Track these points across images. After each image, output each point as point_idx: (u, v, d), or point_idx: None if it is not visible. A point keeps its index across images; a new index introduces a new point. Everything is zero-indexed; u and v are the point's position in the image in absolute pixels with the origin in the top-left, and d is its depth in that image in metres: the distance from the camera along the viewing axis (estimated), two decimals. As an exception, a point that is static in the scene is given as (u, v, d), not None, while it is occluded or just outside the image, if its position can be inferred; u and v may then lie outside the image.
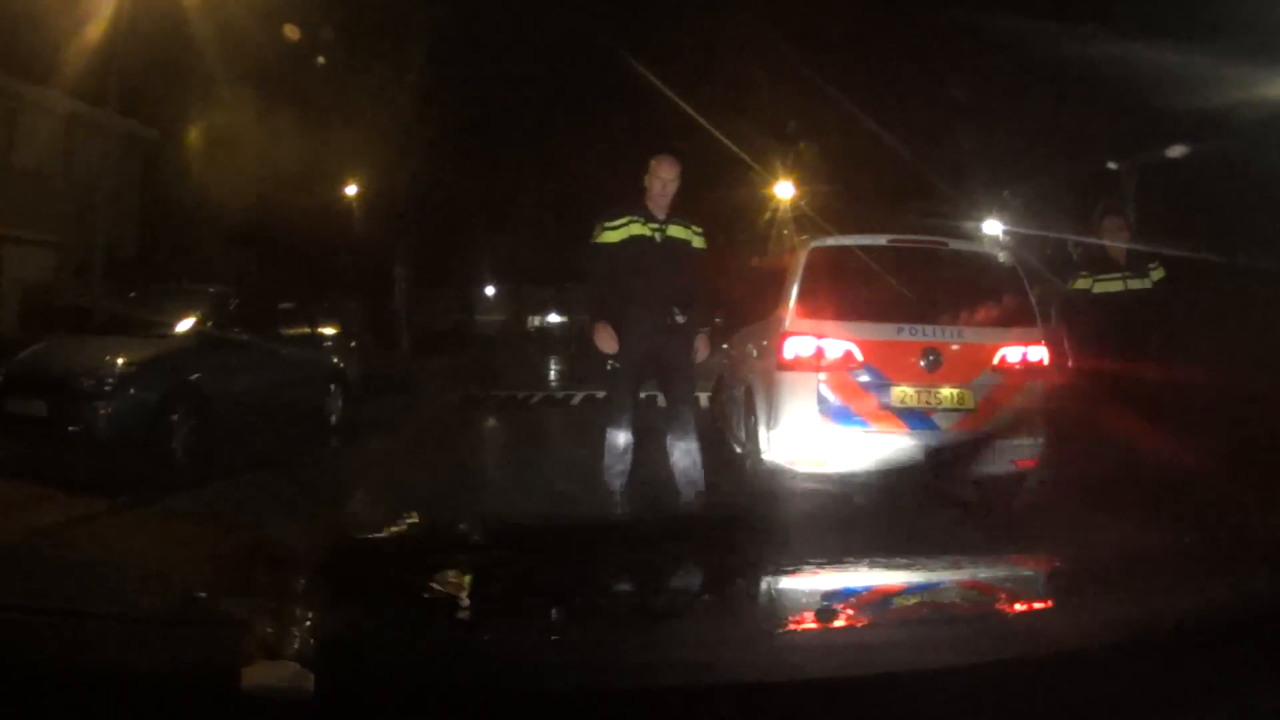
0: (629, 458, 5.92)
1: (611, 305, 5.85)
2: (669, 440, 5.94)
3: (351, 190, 27.92)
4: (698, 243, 5.97)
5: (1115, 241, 6.72)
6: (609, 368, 5.90)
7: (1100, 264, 6.77)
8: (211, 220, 20.42)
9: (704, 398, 12.95)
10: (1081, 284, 6.76)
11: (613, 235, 5.80)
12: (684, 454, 5.91)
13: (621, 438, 5.89)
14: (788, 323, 6.38)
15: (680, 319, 5.85)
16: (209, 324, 9.36)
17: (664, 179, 5.77)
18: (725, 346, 9.25)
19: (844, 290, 6.48)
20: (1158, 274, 6.69)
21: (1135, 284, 6.67)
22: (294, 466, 8.50)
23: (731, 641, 1.50)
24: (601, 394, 16.39)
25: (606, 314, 5.81)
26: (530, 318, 56.74)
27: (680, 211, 5.92)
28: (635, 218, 5.79)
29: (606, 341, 5.75)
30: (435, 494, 7.05)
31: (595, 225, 5.90)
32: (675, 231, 5.85)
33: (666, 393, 6.17)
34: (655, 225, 5.79)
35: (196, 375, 8.82)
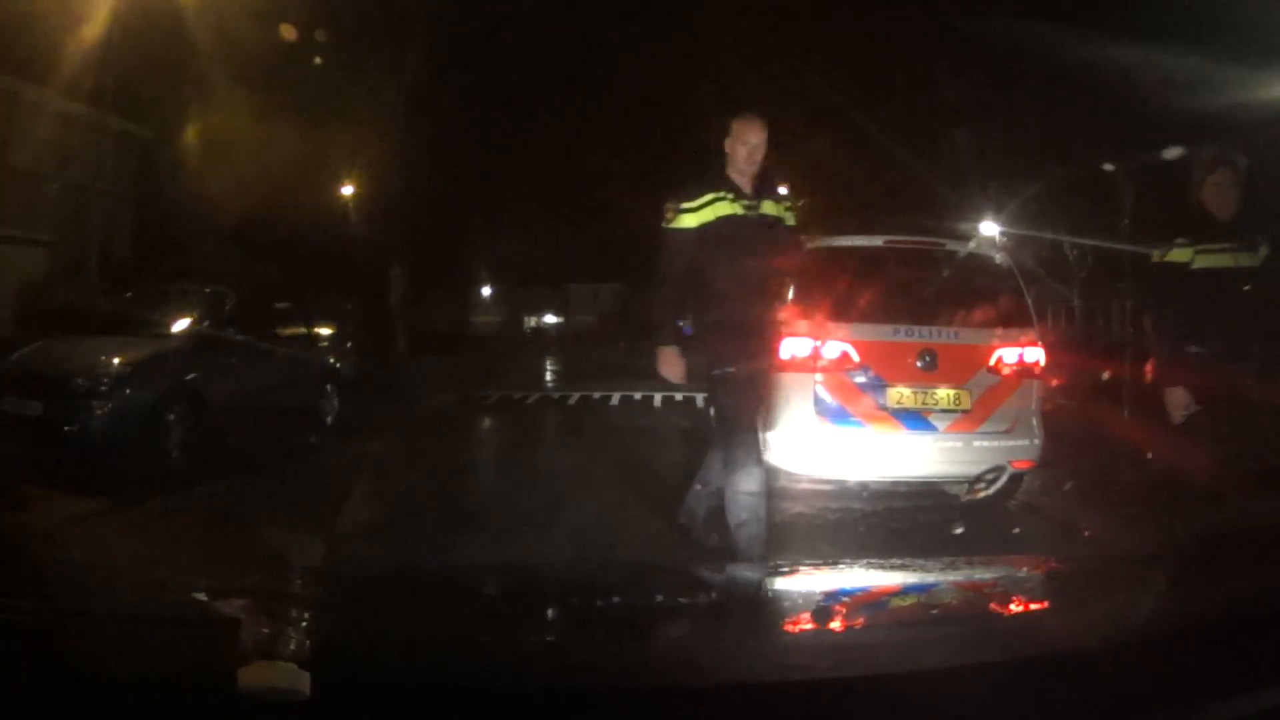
0: (765, 507, 4.67)
1: (683, 313, 4.92)
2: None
3: (348, 190, 27.92)
4: (791, 220, 5.02)
5: (1222, 201, 4.96)
6: (718, 374, 4.76)
7: (1203, 230, 4.93)
8: (207, 220, 20.40)
9: (700, 398, 13.00)
10: (1178, 255, 4.92)
11: (694, 218, 4.71)
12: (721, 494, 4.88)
13: (754, 480, 4.63)
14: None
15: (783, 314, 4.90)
16: (205, 324, 9.35)
17: (751, 144, 4.73)
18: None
19: (840, 291, 6.47)
20: (1264, 250, 4.97)
21: (1245, 260, 4.90)
22: (289, 467, 8.50)
23: (729, 642, 1.50)
24: (597, 394, 16.47)
25: (674, 328, 4.86)
26: (527, 318, 56.84)
27: (769, 184, 4.90)
28: (722, 193, 4.73)
29: (673, 367, 4.84)
30: (431, 496, 7.04)
31: (666, 208, 4.81)
32: (770, 209, 4.84)
33: None
34: (747, 201, 4.76)
35: (192, 376, 8.80)
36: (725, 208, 4.71)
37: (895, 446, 6.13)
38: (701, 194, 4.72)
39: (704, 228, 4.71)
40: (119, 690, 1.24)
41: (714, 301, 4.79)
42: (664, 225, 4.80)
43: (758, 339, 4.85)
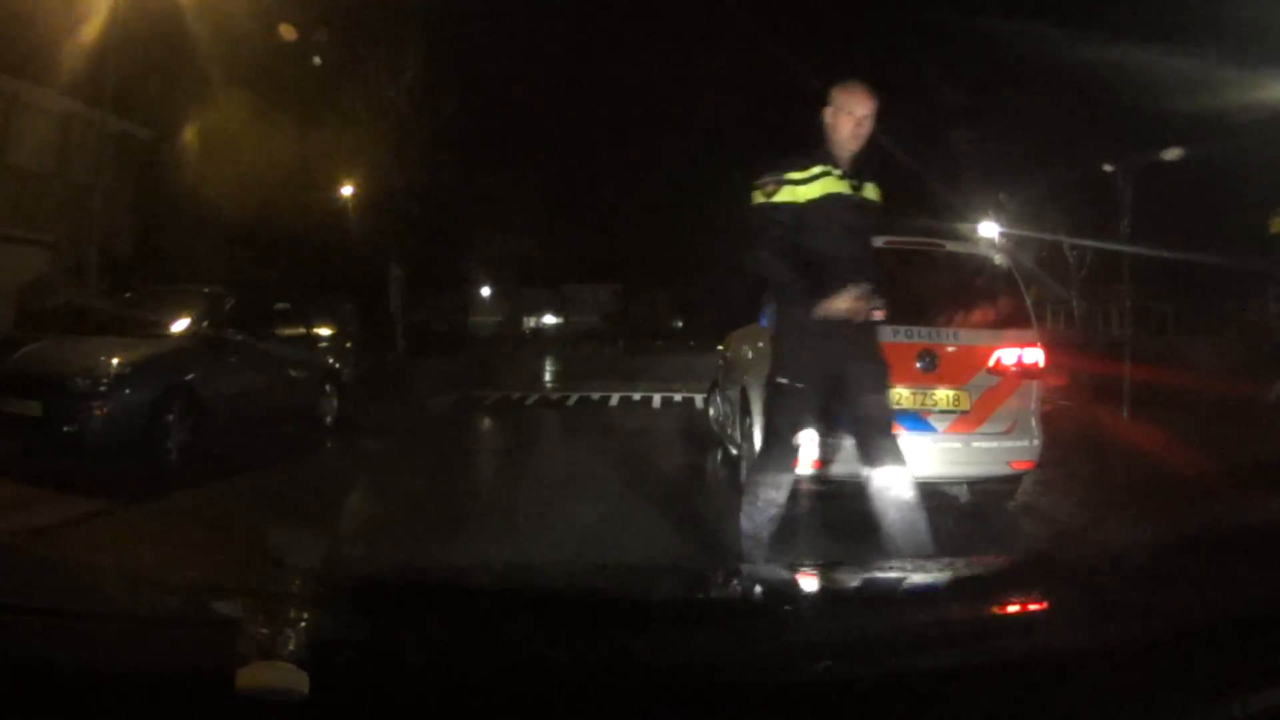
0: (776, 522, 4.31)
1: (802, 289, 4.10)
2: (873, 488, 4.25)
3: (347, 191, 27.94)
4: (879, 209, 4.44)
5: None
6: (780, 383, 4.19)
7: None
8: (207, 221, 20.41)
9: (699, 399, 13.01)
10: None
11: (801, 191, 4.11)
12: (899, 510, 4.21)
13: (779, 492, 4.24)
14: (783, 324, 6.37)
15: (880, 315, 4.16)
16: (204, 325, 9.36)
17: (858, 116, 4.13)
18: (720, 348, 9.27)
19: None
20: None
21: None
22: (289, 467, 8.51)
23: (729, 642, 1.50)
24: (596, 395, 16.47)
25: (806, 302, 4.06)
26: (526, 319, 56.90)
27: (868, 165, 4.28)
28: (828, 168, 4.14)
29: (850, 299, 4.00)
30: (430, 496, 7.04)
31: (762, 180, 4.18)
32: (871, 193, 4.29)
33: (856, 420, 4.28)
34: (852, 181, 4.19)
35: (191, 376, 8.80)
36: (833, 184, 4.14)
37: (894, 447, 6.13)
38: (810, 166, 4.14)
39: (809, 205, 4.11)
40: (119, 690, 1.24)
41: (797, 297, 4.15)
42: (761, 199, 4.17)
43: (838, 345, 4.10)
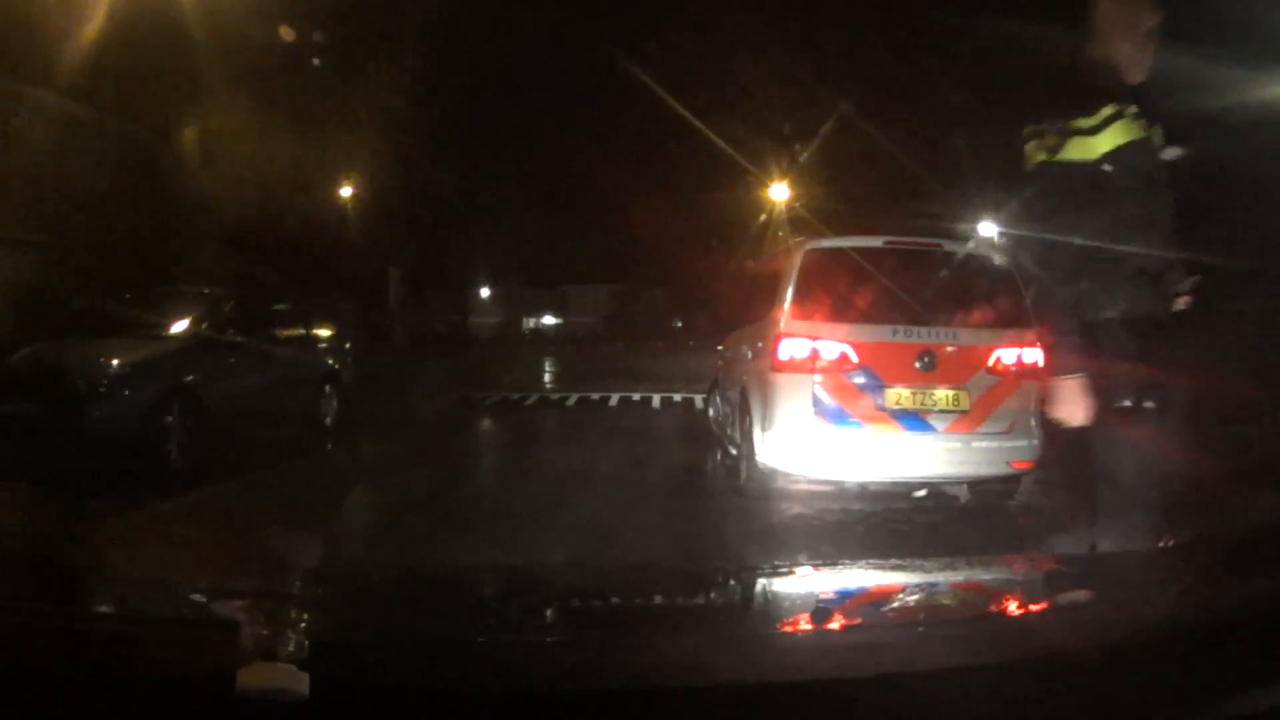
0: None
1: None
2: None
3: (346, 192, 27.94)
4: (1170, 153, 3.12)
5: None
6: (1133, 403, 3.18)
7: None
8: (206, 222, 20.39)
9: (699, 399, 13.01)
10: None
11: (1092, 144, 2.95)
12: None
13: None
14: (783, 324, 6.39)
15: (1185, 304, 3.10)
16: (204, 326, 9.34)
17: (1143, 30, 3.05)
18: (720, 348, 9.28)
19: (839, 292, 6.48)
20: None
21: None
22: (288, 468, 8.50)
23: (728, 642, 1.50)
24: (595, 395, 16.46)
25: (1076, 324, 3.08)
26: (525, 320, 56.94)
27: (1149, 101, 3.08)
28: (1119, 107, 2.96)
29: (1080, 400, 3.15)
30: (430, 497, 7.04)
31: (1037, 129, 3.09)
32: (1157, 138, 3.09)
33: None
34: (1149, 122, 3.02)
35: (191, 377, 8.79)
36: (1128, 129, 2.97)
37: (894, 447, 6.14)
38: (1102, 106, 2.96)
39: (1101, 161, 2.96)
40: (119, 690, 1.24)
41: (1104, 293, 3.04)
42: (1043, 157, 3.05)
43: (1136, 347, 3.04)
